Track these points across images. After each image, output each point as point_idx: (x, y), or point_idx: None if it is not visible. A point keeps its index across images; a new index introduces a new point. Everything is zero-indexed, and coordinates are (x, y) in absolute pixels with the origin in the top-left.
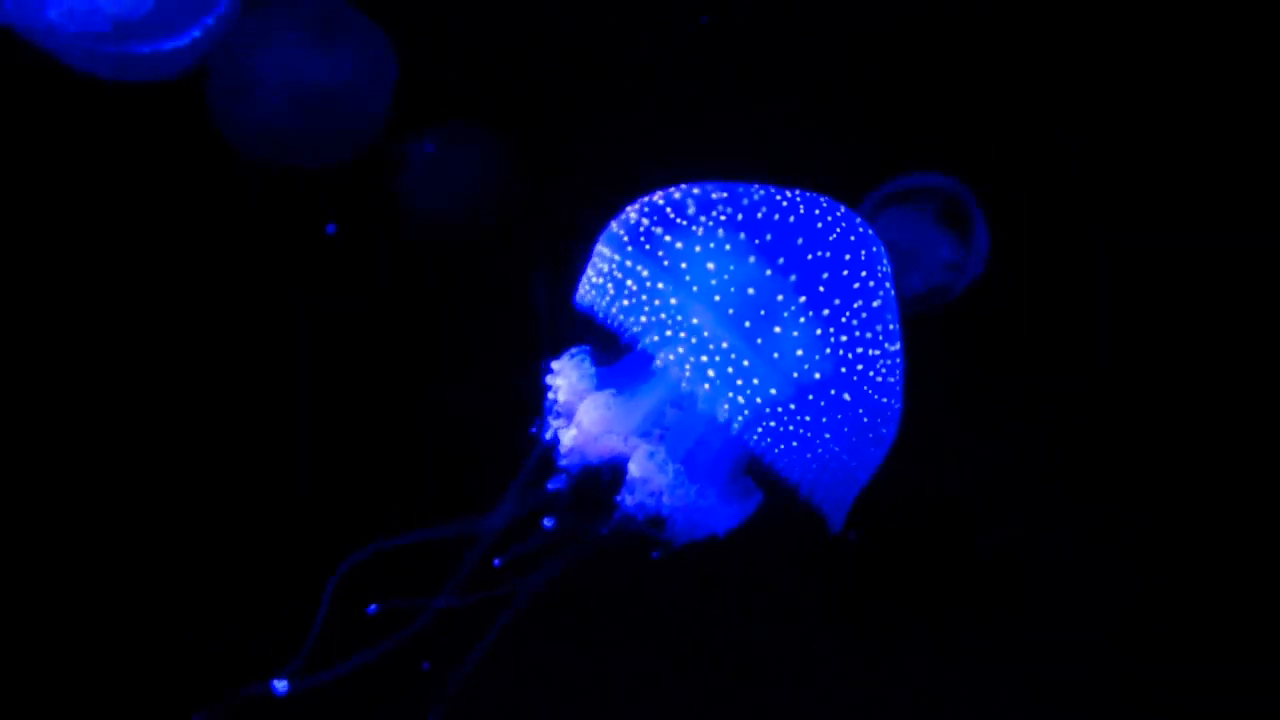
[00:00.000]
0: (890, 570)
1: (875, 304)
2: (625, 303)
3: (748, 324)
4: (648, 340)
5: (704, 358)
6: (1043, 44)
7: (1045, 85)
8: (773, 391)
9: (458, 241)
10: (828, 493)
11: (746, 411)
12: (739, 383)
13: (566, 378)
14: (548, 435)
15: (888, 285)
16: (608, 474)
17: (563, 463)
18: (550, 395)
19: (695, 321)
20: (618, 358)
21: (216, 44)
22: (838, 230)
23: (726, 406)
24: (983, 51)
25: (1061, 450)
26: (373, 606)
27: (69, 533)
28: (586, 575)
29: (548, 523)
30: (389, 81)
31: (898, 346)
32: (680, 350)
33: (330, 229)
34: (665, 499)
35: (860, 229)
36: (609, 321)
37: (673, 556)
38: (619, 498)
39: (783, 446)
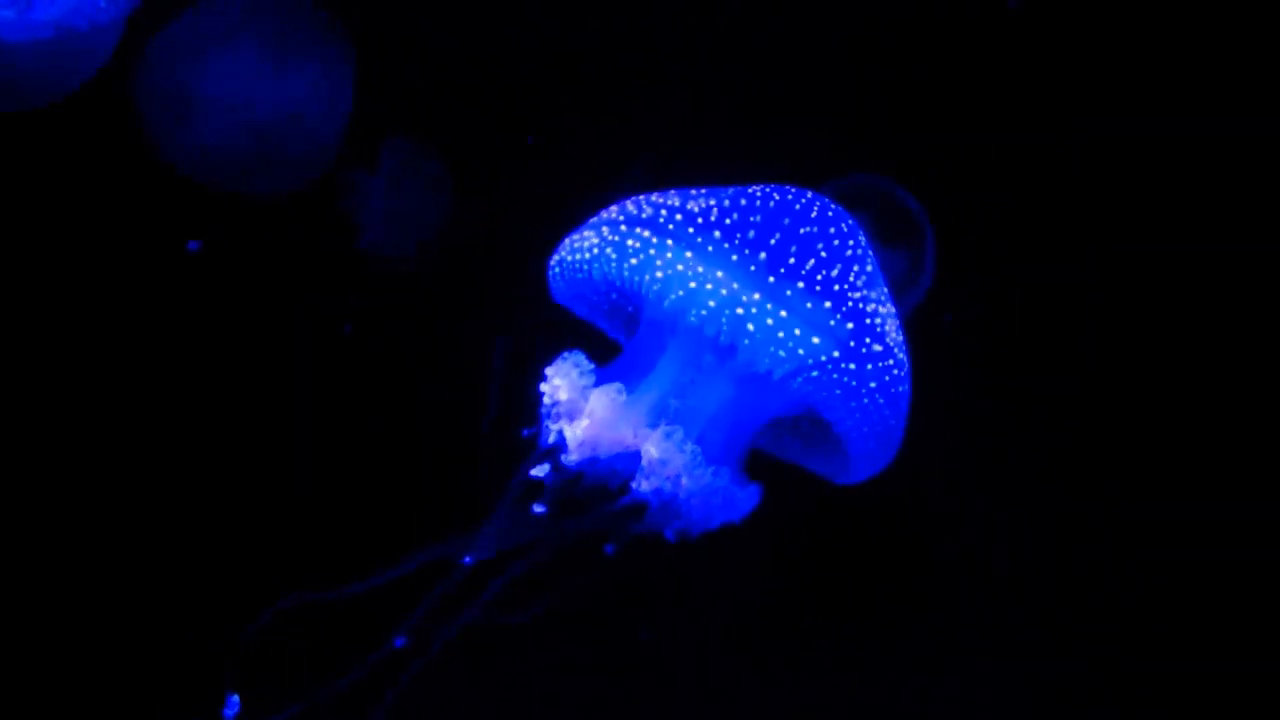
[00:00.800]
0: (889, 569)
1: (869, 268)
2: (632, 264)
3: (772, 279)
4: (672, 297)
5: (739, 310)
6: (1036, 42)
7: (1033, 87)
8: (815, 341)
9: (415, 262)
10: (864, 449)
11: (793, 364)
12: (780, 335)
13: (565, 378)
14: (549, 438)
15: (871, 252)
16: (609, 474)
17: (572, 459)
18: (547, 399)
19: (720, 275)
20: (608, 360)
21: (158, 47)
22: (815, 209)
23: (768, 360)
24: (970, 55)
25: (1060, 449)
26: (399, 639)
27: (70, 536)
28: (587, 576)
29: (538, 509)
30: (344, 109)
31: (894, 309)
32: (712, 304)
33: (193, 246)
34: (684, 481)
35: (832, 207)
36: (624, 284)
37: (673, 557)
38: (634, 484)
39: (830, 397)
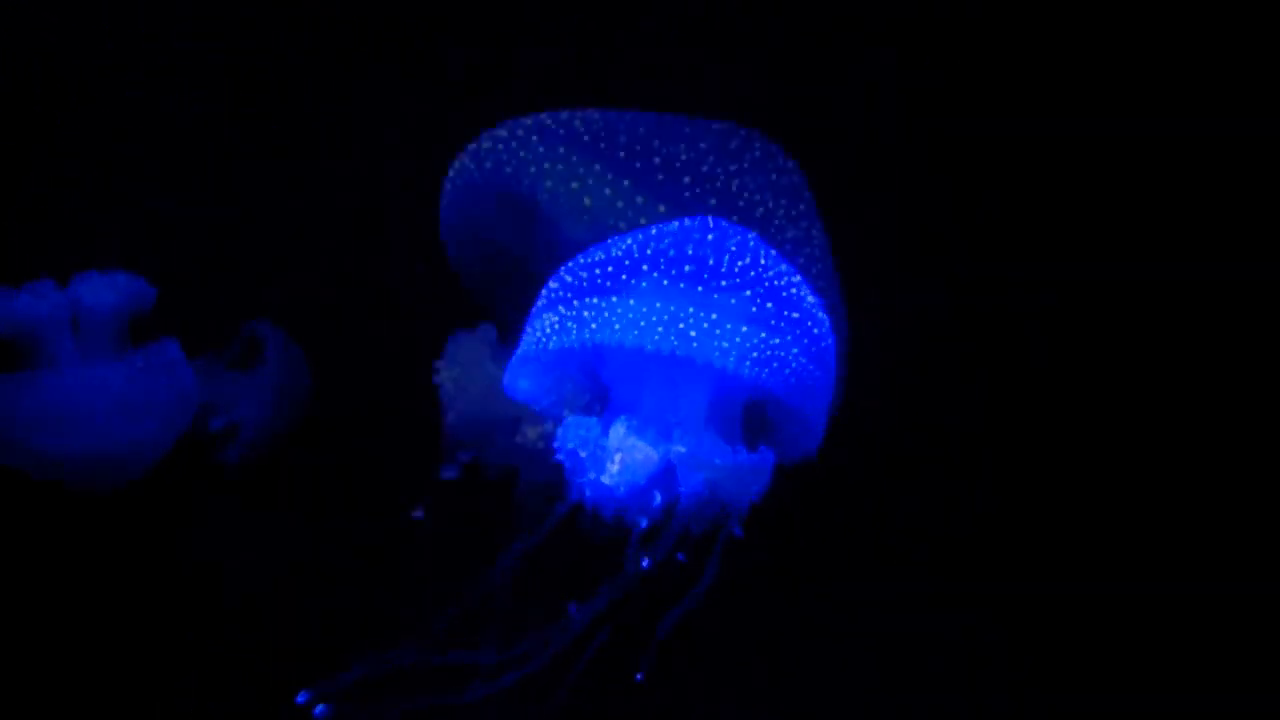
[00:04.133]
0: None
1: (771, 251)
2: (589, 331)
3: (700, 288)
4: (629, 345)
5: (675, 337)
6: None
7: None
8: (744, 329)
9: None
10: (804, 407)
11: (732, 356)
12: (716, 333)
13: (574, 437)
14: (587, 492)
15: (764, 242)
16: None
17: (620, 491)
18: (568, 461)
19: (659, 305)
20: (600, 410)
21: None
22: (709, 220)
23: (714, 361)
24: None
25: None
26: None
27: (72, 537)
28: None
29: (644, 562)
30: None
31: (803, 279)
32: (657, 338)
33: None
34: (716, 462)
35: (718, 218)
36: (587, 354)
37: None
38: (678, 488)
39: (767, 372)
